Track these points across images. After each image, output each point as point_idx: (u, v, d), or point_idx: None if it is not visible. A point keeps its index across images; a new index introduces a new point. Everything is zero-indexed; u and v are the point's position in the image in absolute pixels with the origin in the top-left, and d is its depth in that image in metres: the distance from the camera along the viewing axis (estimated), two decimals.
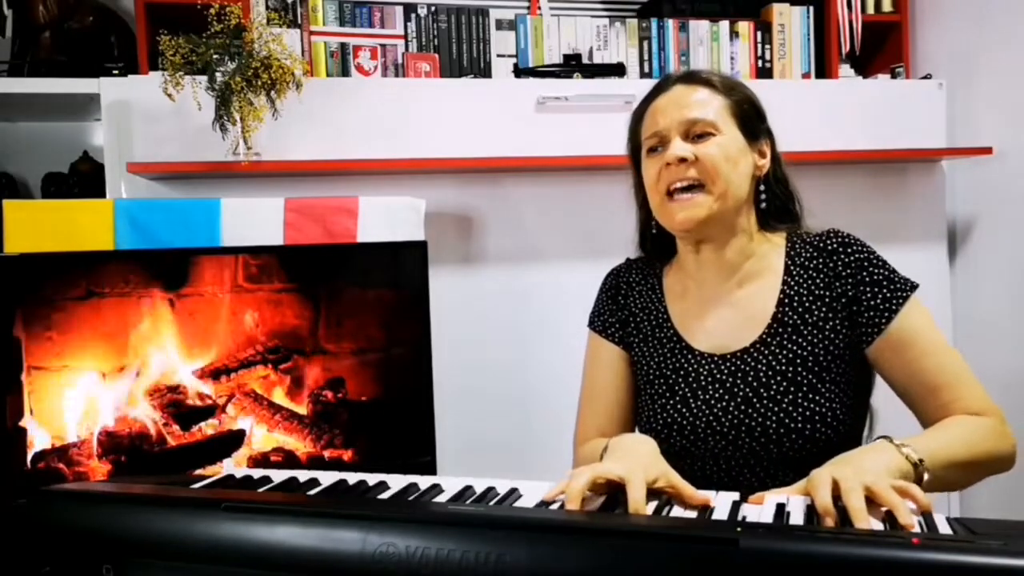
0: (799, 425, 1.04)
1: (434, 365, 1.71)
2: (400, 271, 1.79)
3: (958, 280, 2.43)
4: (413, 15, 2.26)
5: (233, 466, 1.65)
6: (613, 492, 0.82)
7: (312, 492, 0.86)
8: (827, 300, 1.09)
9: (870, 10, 2.48)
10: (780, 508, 0.79)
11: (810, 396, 1.05)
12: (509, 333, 2.17)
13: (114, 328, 1.59)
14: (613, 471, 0.81)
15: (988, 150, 2.25)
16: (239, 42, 1.82)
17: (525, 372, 2.17)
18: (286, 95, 1.85)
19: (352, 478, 0.90)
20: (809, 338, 1.08)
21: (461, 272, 2.15)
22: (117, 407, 1.60)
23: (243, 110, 1.81)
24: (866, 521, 0.71)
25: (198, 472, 1.53)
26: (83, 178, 2.25)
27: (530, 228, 2.19)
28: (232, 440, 1.66)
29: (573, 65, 2.24)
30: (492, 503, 0.82)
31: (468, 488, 0.86)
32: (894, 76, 2.44)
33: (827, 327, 1.08)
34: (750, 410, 1.06)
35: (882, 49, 2.53)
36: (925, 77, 2.42)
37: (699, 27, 2.37)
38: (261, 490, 0.87)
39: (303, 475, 0.92)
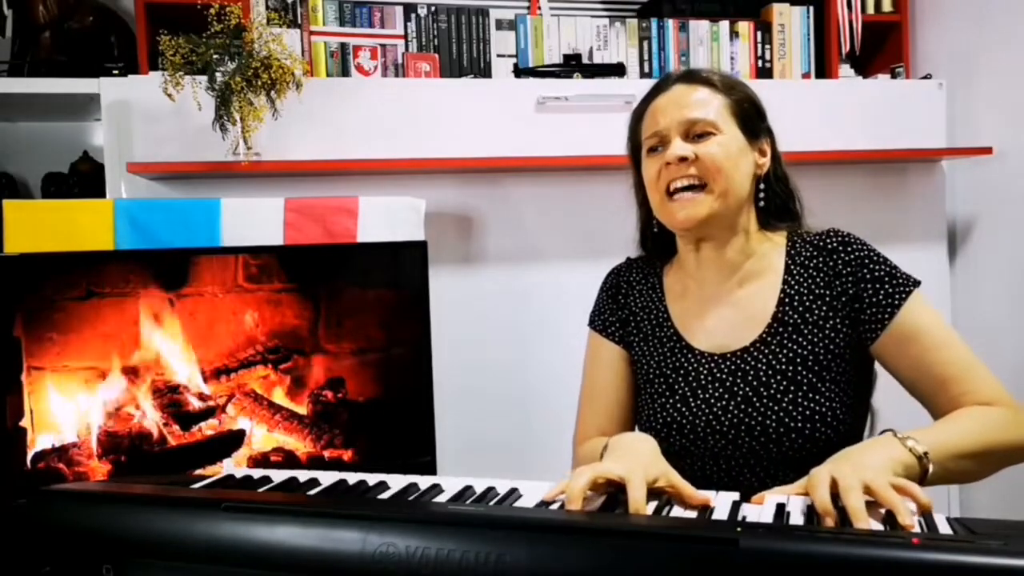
0: (799, 424, 1.04)
1: (434, 365, 1.71)
2: (400, 271, 1.79)
3: (958, 280, 2.43)
4: (413, 15, 2.26)
5: (233, 466, 1.65)
6: (613, 492, 0.82)
7: (312, 492, 0.86)
8: (828, 299, 1.09)
9: (870, 10, 2.48)
10: (780, 508, 0.79)
11: (810, 395, 1.05)
12: (509, 333, 2.17)
13: (114, 328, 1.59)
14: (613, 471, 0.81)
15: (988, 150, 2.25)
16: (239, 42, 1.82)
17: (525, 372, 2.17)
18: (286, 95, 1.85)
19: (352, 478, 0.90)
20: (809, 337, 1.08)
21: (461, 272, 2.15)
22: (117, 407, 1.60)
23: (243, 110, 1.81)
24: (865, 521, 0.71)
25: (198, 472, 1.53)
26: (83, 178, 2.25)
27: (530, 228, 2.19)
28: (232, 440, 1.66)
29: (573, 65, 2.24)
30: (492, 503, 0.82)
31: (468, 488, 0.86)
32: (894, 76, 2.44)
33: (827, 326, 1.08)
34: (750, 409, 1.06)
35: (882, 49, 2.53)
36: (925, 77, 2.42)
37: (699, 27, 2.37)
38: (261, 490, 0.87)
39: (303, 475, 0.92)
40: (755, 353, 1.09)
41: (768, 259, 1.14)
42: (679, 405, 1.11)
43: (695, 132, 1.09)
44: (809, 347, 1.07)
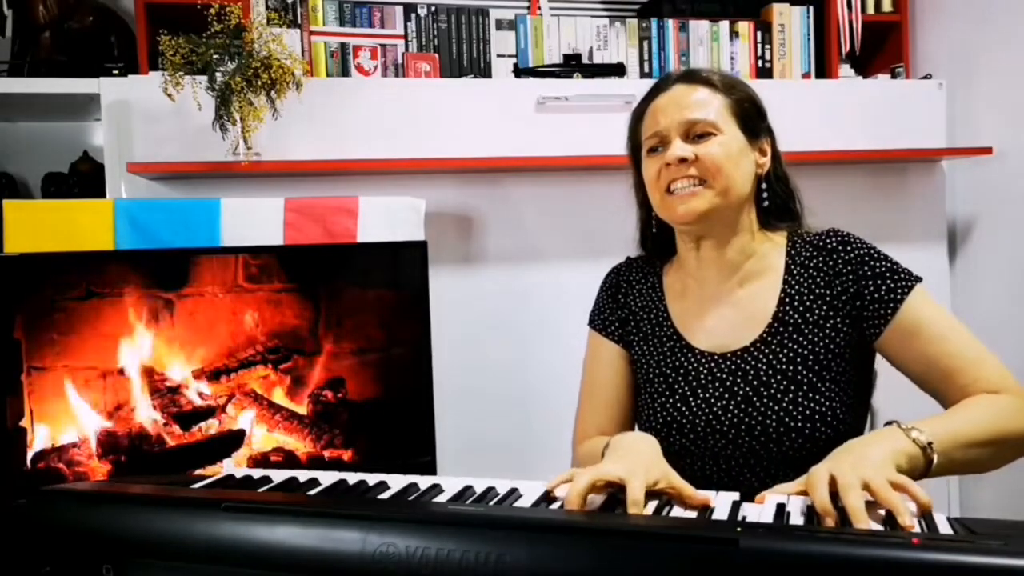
0: (799, 424, 1.04)
1: (434, 365, 1.71)
2: (400, 271, 1.79)
3: (958, 280, 2.43)
4: (413, 15, 2.26)
5: (233, 466, 1.65)
6: (613, 492, 0.82)
7: (312, 492, 0.86)
8: (828, 299, 1.09)
9: (870, 10, 2.48)
10: (780, 508, 0.79)
11: (810, 395, 1.05)
12: (509, 333, 2.17)
13: (114, 328, 1.59)
14: (613, 472, 0.81)
15: (988, 150, 2.25)
16: (239, 42, 1.82)
17: (525, 372, 2.17)
18: (286, 95, 1.85)
19: (352, 478, 0.90)
20: (810, 337, 1.08)
21: (461, 272, 2.15)
22: (117, 407, 1.60)
23: (243, 110, 1.81)
24: (865, 521, 0.71)
25: (198, 472, 1.53)
26: (83, 178, 2.25)
27: (530, 228, 2.19)
28: (232, 440, 1.66)
29: (573, 65, 2.24)
30: (492, 503, 0.82)
31: (468, 488, 0.86)
32: (894, 76, 2.44)
33: (828, 326, 1.08)
34: (750, 409, 1.06)
35: (882, 49, 2.53)
36: (925, 77, 2.42)
37: (699, 27, 2.37)
38: (261, 490, 0.87)
39: (303, 475, 0.92)
40: (755, 353, 1.09)
41: (768, 259, 1.14)
42: (679, 404, 1.11)
43: (695, 132, 1.08)
44: (809, 347, 1.07)
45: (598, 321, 1.25)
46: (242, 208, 1.81)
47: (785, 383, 1.06)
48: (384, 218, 1.88)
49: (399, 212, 1.90)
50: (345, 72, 2.20)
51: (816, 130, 2.22)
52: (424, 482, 0.88)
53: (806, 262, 1.12)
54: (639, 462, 0.85)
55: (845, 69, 2.49)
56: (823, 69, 2.46)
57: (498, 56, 2.30)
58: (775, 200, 1.16)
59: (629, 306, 1.22)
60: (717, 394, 1.09)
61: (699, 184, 1.07)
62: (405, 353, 1.72)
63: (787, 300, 1.11)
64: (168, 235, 1.75)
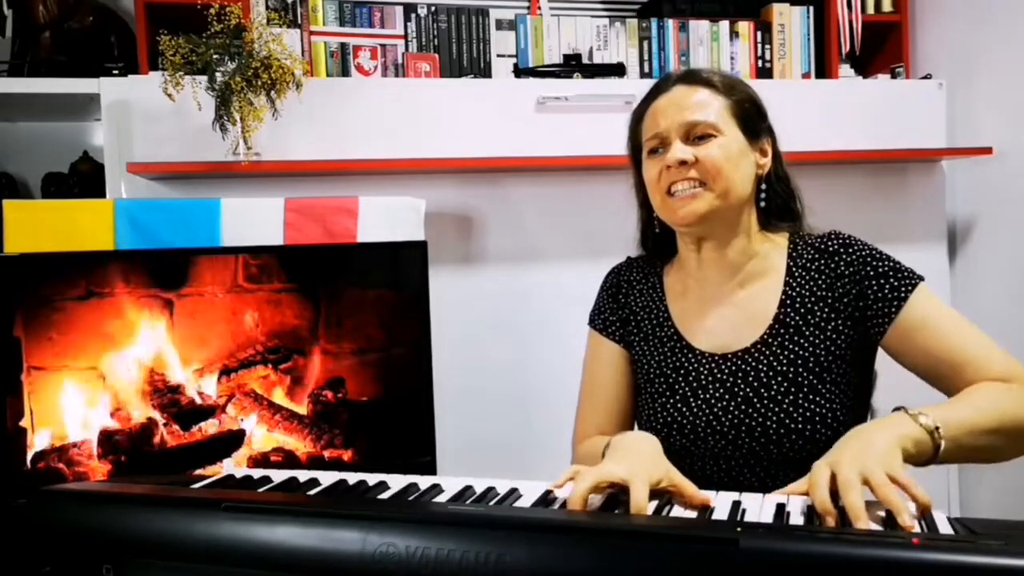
0: (799, 426, 1.04)
1: (434, 365, 1.71)
2: (400, 271, 1.79)
3: (958, 280, 2.43)
4: (413, 15, 2.26)
5: (233, 466, 1.65)
6: (614, 492, 0.82)
7: (312, 492, 0.86)
8: (829, 301, 1.09)
9: (870, 10, 2.48)
10: (780, 508, 0.79)
11: (811, 397, 1.05)
12: (509, 333, 2.17)
13: (114, 328, 1.59)
14: (616, 473, 0.81)
15: (988, 150, 2.25)
16: (239, 42, 1.82)
17: (525, 372, 2.17)
18: (286, 95, 1.85)
19: (352, 478, 0.90)
20: (811, 339, 1.08)
21: (461, 272, 2.15)
22: (117, 407, 1.60)
23: (243, 110, 1.81)
24: (864, 521, 0.71)
25: (198, 472, 1.53)
26: (83, 178, 2.25)
27: (530, 228, 2.19)
28: (232, 440, 1.66)
29: (573, 65, 2.24)
30: (492, 503, 0.82)
31: (468, 488, 0.86)
32: (894, 76, 2.44)
33: (829, 328, 1.08)
34: (750, 410, 1.06)
35: (882, 49, 2.53)
36: (925, 77, 2.42)
37: (699, 27, 2.37)
38: (261, 490, 0.87)
39: (303, 475, 0.92)
40: (756, 354, 1.09)
41: (770, 260, 1.14)
42: (680, 405, 1.11)
43: (695, 134, 1.08)
44: (810, 349, 1.07)
45: (598, 321, 1.25)
46: (242, 208, 1.81)
47: (786, 385, 1.06)
48: (384, 218, 1.88)
49: (399, 212, 1.90)
50: (345, 72, 2.20)
51: (816, 130, 2.22)
52: (424, 482, 0.88)
53: (808, 264, 1.12)
54: (641, 462, 0.85)
55: (845, 69, 2.50)
56: (823, 69, 2.46)
57: (498, 56, 2.30)
58: (775, 200, 1.16)
59: (630, 306, 1.22)
60: (718, 395, 1.09)
61: (699, 186, 1.07)
62: (405, 353, 1.72)
63: (788, 302, 1.11)
64: (168, 235, 1.75)
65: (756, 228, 1.15)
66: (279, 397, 1.71)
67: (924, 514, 0.74)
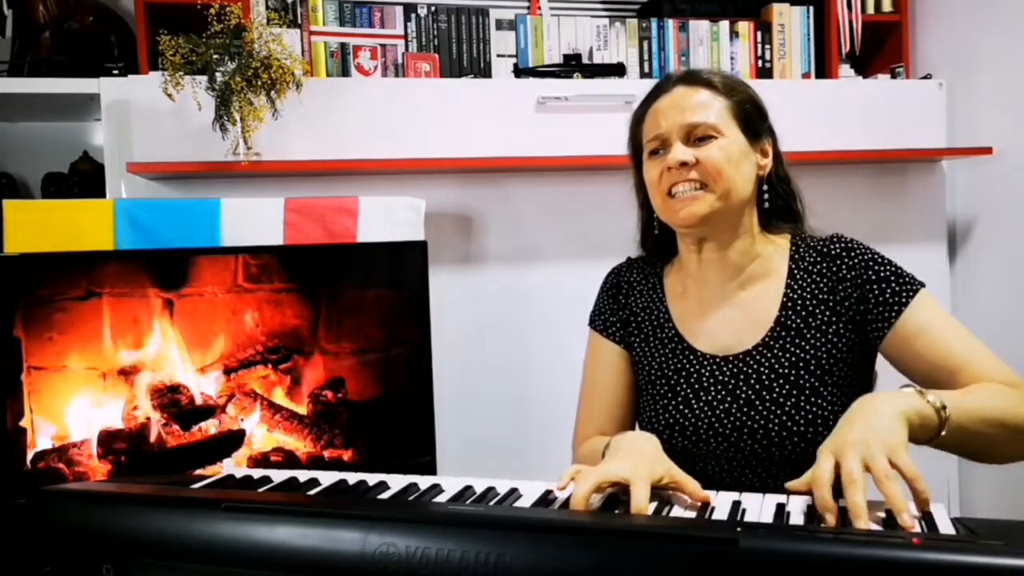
0: (801, 428, 1.04)
1: (434, 365, 1.71)
2: (400, 271, 1.79)
3: (958, 280, 2.43)
4: (413, 15, 2.26)
5: (233, 466, 1.65)
6: (615, 492, 0.82)
7: (312, 492, 0.86)
8: (831, 304, 1.09)
9: (870, 10, 2.48)
10: (780, 508, 0.79)
11: (812, 400, 1.05)
12: (509, 333, 2.17)
13: (114, 328, 1.59)
14: (617, 473, 0.81)
15: (988, 150, 2.25)
16: (239, 42, 1.82)
17: (525, 372, 2.17)
18: (286, 95, 1.85)
19: (352, 478, 0.90)
20: (812, 342, 1.08)
21: (461, 272, 2.15)
22: (117, 407, 1.60)
23: (243, 110, 1.81)
24: (864, 518, 0.71)
25: (198, 472, 1.53)
26: (83, 178, 2.24)
27: (530, 228, 2.19)
28: (232, 440, 1.66)
29: (573, 65, 2.24)
30: (492, 503, 0.82)
31: (468, 488, 0.86)
32: (894, 76, 2.44)
33: (830, 331, 1.08)
34: (752, 412, 1.06)
35: (882, 49, 2.53)
36: (925, 77, 2.42)
37: (699, 27, 2.37)
38: (261, 490, 0.87)
39: (303, 475, 0.92)
40: (757, 356, 1.09)
41: (771, 262, 1.14)
42: (681, 407, 1.11)
43: (696, 135, 1.08)
44: (812, 351, 1.07)
45: (599, 322, 1.24)
46: (242, 208, 1.81)
47: (787, 387, 1.06)
48: (384, 218, 1.88)
49: (399, 212, 1.90)
50: (345, 72, 2.20)
51: (816, 130, 2.22)
52: (424, 482, 0.88)
53: (809, 267, 1.12)
54: (642, 461, 0.85)
55: (845, 69, 2.49)
56: (823, 69, 2.46)
57: (498, 56, 2.30)
58: (776, 201, 1.16)
59: (630, 307, 1.22)
60: (719, 397, 1.09)
61: (700, 188, 1.07)
62: (405, 353, 1.72)
63: (790, 304, 1.11)
64: (168, 235, 1.75)
65: (757, 229, 1.14)
66: (279, 397, 1.71)
67: (923, 509, 0.74)
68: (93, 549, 0.75)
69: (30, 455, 1.53)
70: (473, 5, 2.31)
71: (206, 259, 1.67)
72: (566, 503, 0.79)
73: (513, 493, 0.84)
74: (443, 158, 2.04)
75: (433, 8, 2.27)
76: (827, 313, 1.09)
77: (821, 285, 1.10)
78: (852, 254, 1.10)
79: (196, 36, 1.80)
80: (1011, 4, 2.20)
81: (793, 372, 1.07)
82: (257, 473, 0.94)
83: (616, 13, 2.51)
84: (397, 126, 2.05)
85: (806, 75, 2.44)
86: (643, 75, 2.34)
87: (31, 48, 2.11)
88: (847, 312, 1.08)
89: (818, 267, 1.11)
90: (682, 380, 1.13)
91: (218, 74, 1.81)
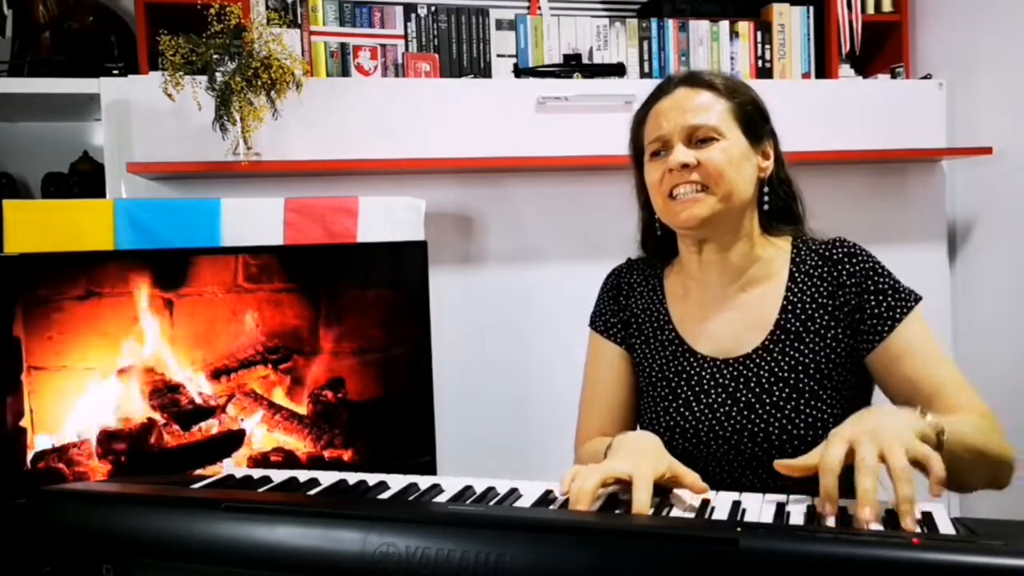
0: (801, 431, 1.04)
1: (434, 365, 1.71)
2: (400, 271, 1.79)
3: (958, 280, 2.43)
4: (413, 15, 2.26)
5: (233, 466, 1.65)
6: (615, 491, 0.82)
7: (312, 492, 0.86)
8: (830, 309, 1.09)
9: (870, 10, 2.48)
10: (780, 508, 0.79)
11: (812, 403, 1.05)
12: (509, 333, 2.17)
13: (114, 328, 1.59)
14: (620, 469, 0.82)
15: (988, 150, 2.25)
16: (239, 42, 1.82)
17: (525, 372, 2.17)
18: (286, 95, 1.85)
19: (352, 478, 0.90)
20: (811, 345, 1.08)
21: (461, 272, 2.15)
22: (117, 407, 1.60)
23: (243, 110, 1.81)
24: (871, 508, 0.71)
25: (198, 472, 1.52)
26: (83, 178, 2.25)
27: (530, 228, 2.19)
28: (232, 440, 1.66)
29: (573, 65, 2.24)
30: (492, 503, 0.82)
31: (468, 488, 0.86)
32: (894, 76, 2.44)
33: (829, 336, 1.08)
34: (752, 415, 1.06)
35: (882, 49, 2.53)
36: (925, 77, 2.42)
37: (699, 27, 2.37)
38: (261, 490, 0.87)
39: (303, 475, 0.92)
40: (758, 359, 1.09)
41: (772, 265, 1.14)
42: (682, 409, 1.11)
43: (698, 137, 1.08)
44: (811, 355, 1.07)
45: (599, 323, 1.24)
46: (242, 208, 1.81)
47: (787, 390, 1.06)
48: (384, 218, 1.88)
49: (399, 212, 1.90)
50: (345, 72, 2.20)
51: (816, 130, 2.22)
52: (424, 482, 0.88)
53: (810, 271, 1.12)
54: (645, 458, 0.85)
55: (845, 69, 2.49)
56: (823, 69, 2.46)
57: (498, 56, 2.30)
58: (777, 203, 1.16)
59: (630, 308, 1.22)
60: (720, 400, 1.09)
61: (701, 190, 1.07)
62: (405, 353, 1.72)
63: (790, 308, 1.11)
64: (168, 235, 1.75)
65: (758, 231, 1.14)
66: (279, 397, 1.71)
67: (937, 492, 0.75)
68: (93, 549, 0.75)
69: (30, 455, 1.52)
70: (473, 5, 2.31)
71: (206, 259, 1.67)
72: (566, 503, 0.79)
73: (513, 493, 0.84)
74: (443, 158, 2.04)
75: (433, 8, 2.27)
76: (827, 317, 1.09)
77: (821, 289, 1.10)
78: (854, 260, 1.09)
79: (196, 36, 1.80)
80: (1011, 4, 2.20)
81: (793, 376, 1.07)
82: (257, 473, 0.94)
83: (616, 13, 2.51)
84: (397, 126, 2.05)
85: (806, 75, 2.44)
86: (643, 75, 2.34)
87: (31, 48, 2.11)
88: (845, 318, 1.08)
89: (819, 271, 1.11)
90: (682, 383, 1.13)
91: (218, 74, 1.81)
